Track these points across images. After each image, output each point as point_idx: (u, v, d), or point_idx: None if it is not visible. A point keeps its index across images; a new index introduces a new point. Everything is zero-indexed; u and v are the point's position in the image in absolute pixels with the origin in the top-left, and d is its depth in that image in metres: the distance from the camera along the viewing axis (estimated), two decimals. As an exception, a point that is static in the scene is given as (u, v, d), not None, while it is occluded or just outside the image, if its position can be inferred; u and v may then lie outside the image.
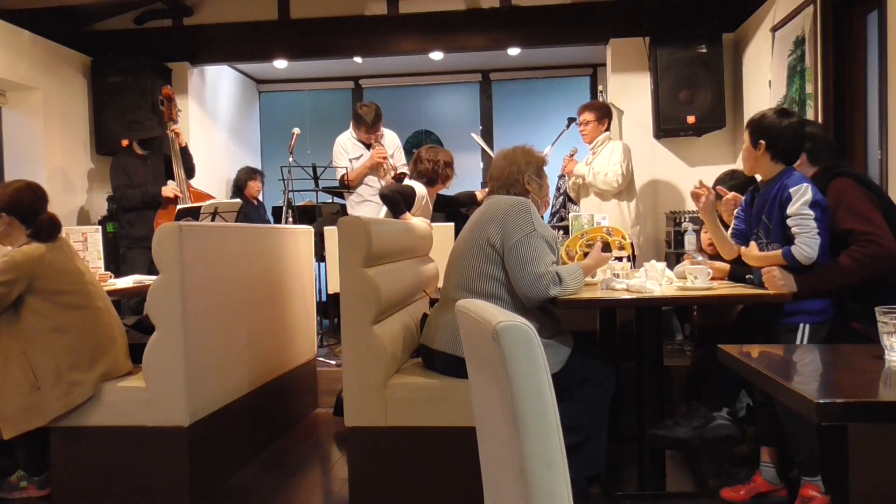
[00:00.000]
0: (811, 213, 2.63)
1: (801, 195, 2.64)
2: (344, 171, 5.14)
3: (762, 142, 2.76)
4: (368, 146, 5.14)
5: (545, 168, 3.05)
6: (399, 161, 5.22)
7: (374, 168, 5.11)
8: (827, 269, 2.65)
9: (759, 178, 2.96)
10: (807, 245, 2.62)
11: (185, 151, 5.20)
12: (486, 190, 3.13)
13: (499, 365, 1.12)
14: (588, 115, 4.97)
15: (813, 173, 2.87)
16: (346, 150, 5.21)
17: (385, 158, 5.08)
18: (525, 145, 3.05)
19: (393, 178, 5.07)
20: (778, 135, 2.73)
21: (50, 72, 5.53)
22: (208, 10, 6.27)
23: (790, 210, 2.65)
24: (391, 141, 5.27)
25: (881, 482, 1.35)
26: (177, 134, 5.13)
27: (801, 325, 2.69)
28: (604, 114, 5.01)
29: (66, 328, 2.93)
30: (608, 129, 5.01)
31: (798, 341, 2.70)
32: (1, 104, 5.38)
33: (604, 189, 4.86)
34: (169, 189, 5.04)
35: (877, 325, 1.58)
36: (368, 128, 5.07)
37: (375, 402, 2.79)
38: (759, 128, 2.77)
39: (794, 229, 2.64)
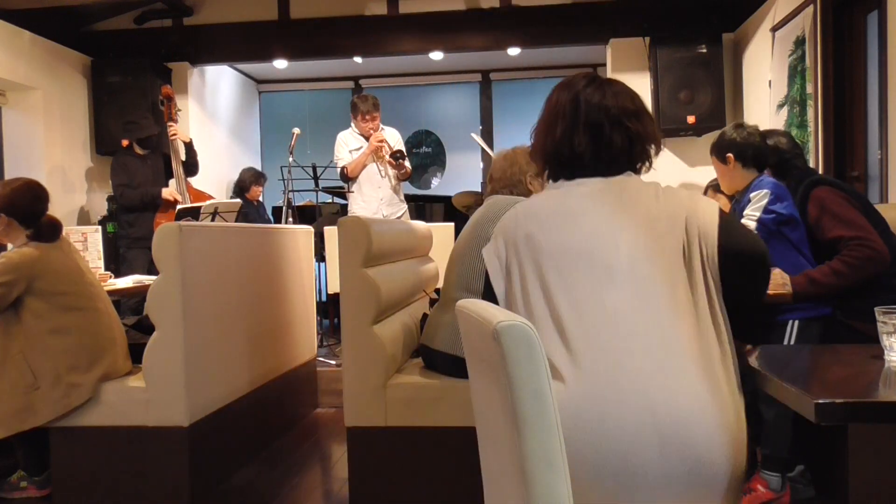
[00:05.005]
0: (755, 217, 2.71)
1: (758, 201, 2.73)
2: (344, 163, 5.18)
3: (729, 155, 2.88)
4: (368, 139, 5.17)
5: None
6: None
7: (374, 154, 5.13)
8: (821, 273, 2.66)
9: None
10: None
11: (189, 147, 5.19)
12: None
13: (499, 365, 1.12)
14: None
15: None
16: (347, 143, 5.25)
17: (382, 142, 5.12)
18: (525, 145, 3.04)
19: (390, 156, 5.10)
20: (743, 144, 2.86)
21: (50, 72, 5.53)
22: (208, 10, 6.27)
23: (745, 212, 2.73)
24: (392, 136, 5.30)
25: (880, 482, 1.35)
26: (174, 134, 5.13)
27: (790, 322, 2.71)
28: None
29: (65, 330, 2.92)
30: None
31: (787, 338, 2.71)
32: (1, 104, 5.39)
33: None
34: (168, 192, 5.04)
35: (873, 323, 1.58)
36: (364, 113, 5.11)
37: (375, 402, 2.79)
38: (723, 144, 2.91)
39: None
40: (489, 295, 1.59)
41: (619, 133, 1.58)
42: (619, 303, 1.40)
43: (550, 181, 1.69)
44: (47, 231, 3.00)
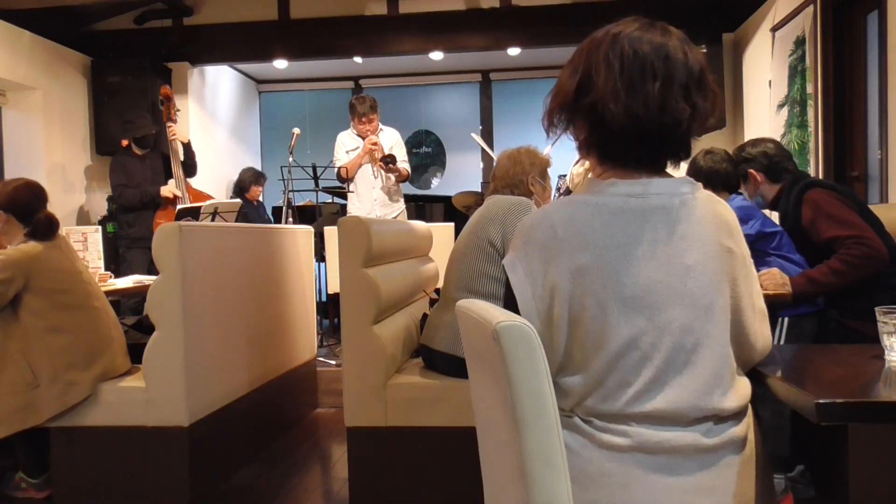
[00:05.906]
0: None
1: None
2: (341, 164, 5.20)
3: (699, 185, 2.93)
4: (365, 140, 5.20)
5: (548, 170, 3.06)
6: (400, 157, 5.25)
7: (369, 155, 5.15)
8: (820, 272, 2.66)
9: None
10: None
11: (187, 148, 5.21)
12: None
13: (499, 365, 1.12)
14: None
15: (777, 190, 2.94)
16: (344, 144, 5.28)
17: (375, 144, 5.14)
18: (529, 146, 3.04)
19: (381, 159, 5.11)
20: (709, 171, 2.91)
21: (50, 72, 5.53)
22: (208, 10, 6.28)
23: None
24: (392, 137, 5.31)
25: (881, 483, 1.35)
26: (173, 134, 5.14)
27: (780, 319, 2.71)
28: None
29: (63, 328, 2.92)
30: None
31: (776, 336, 2.71)
32: (1, 104, 5.39)
33: None
34: (167, 189, 5.05)
35: (870, 322, 1.58)
36: (361, 116, 5.13)
37: (375, 402, 2.79)
38: (691, 173, 2.96)
39: None
40: (511, 304, 1.34)
41: (705, 98, 1.31)
42: (666, 354, 1.26)
43: (586, 172, 1.47)
44: (44, 227, 3.01)
